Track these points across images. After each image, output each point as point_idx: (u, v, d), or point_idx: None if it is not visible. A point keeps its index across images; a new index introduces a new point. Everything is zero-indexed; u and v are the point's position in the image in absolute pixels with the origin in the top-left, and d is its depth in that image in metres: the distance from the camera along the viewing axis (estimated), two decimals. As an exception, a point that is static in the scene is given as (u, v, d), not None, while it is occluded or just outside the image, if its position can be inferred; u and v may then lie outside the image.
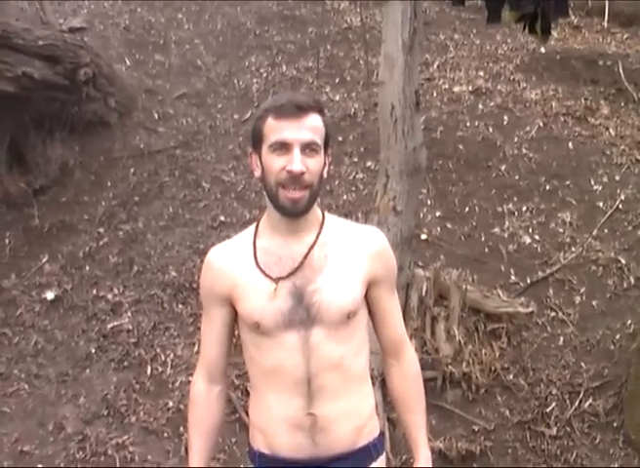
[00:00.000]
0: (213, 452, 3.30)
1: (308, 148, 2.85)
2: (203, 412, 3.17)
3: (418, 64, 5.68)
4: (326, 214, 3.06)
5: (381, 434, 3.22)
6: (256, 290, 2.95)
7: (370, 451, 3.10)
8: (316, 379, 2.96)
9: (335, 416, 3.01)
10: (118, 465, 5.25)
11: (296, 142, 2.84)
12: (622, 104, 8.30)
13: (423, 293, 5.78)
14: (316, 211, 3.01)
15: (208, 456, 3.20)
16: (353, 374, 3.04)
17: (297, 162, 2.82)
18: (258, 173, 2.95)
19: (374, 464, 3.10)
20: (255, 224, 3.06)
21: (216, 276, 3.04)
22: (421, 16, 6.40)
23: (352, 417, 3.05)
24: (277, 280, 2.92)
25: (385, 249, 3.09)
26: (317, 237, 2.98)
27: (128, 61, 8.74)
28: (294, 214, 2.91)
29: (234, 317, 3.05)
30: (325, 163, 2.94)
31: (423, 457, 3.12)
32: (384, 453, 3.20)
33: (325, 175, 2.96)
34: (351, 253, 3.00)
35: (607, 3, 9.83)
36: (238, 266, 2.99)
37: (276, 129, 2.86)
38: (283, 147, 2.84)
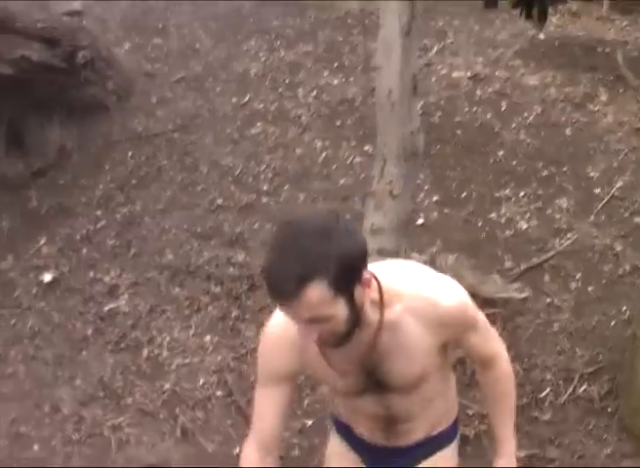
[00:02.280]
0: None
1: (314, 321, 2.54)
2: None
3: (416, 49, 5.68)
4: (384, 294, 2.71)
5: (456, 420, 3.28)
6: (322, 371, 2.87)
7: (443, 437, 3.19)
8: (398, 414, 3.03)
9: (413, 428, 3.09)
10: (114, 446, 5.28)
11: (296, 320, 2.56)
12: (621, 91, 8.27)
13: (419, 278, 5.78)
14: (369, 311, 2.69)
15: None
16: (436, 392, 3.07)
17: (300, 336, 2.62)
18: None
19: (444, 450, 3.20)
20: None
21: (280, 350, 2.85)
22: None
23: (433, 417, 3.13)
24: (343, 373, 2.83)
25: (450, 312, 2.80)
26: (380, 323, 2.73)
27: (127, 45, 8.75)
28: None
29: (294, 392, 3.01)
30: (354, 300, 2.56)
31: (507, 452, 3.17)
32: (457, 438, 3.28)
33: (367, 301, 2.63)
34: (415, 329, 2.77)
35: (606, -11, 9.81)
36: (308, 349, 2.79)
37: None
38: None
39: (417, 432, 3.10)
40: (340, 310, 2.52)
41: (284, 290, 2.44)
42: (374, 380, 2.86)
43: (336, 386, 2.94)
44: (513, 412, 3.23)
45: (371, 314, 2.68)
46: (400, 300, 2.73)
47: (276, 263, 2.46)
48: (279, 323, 2.80)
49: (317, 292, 2.44)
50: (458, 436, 3.28)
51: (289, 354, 2.83)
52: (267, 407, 2.92)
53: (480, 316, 2.97)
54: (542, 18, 5.74)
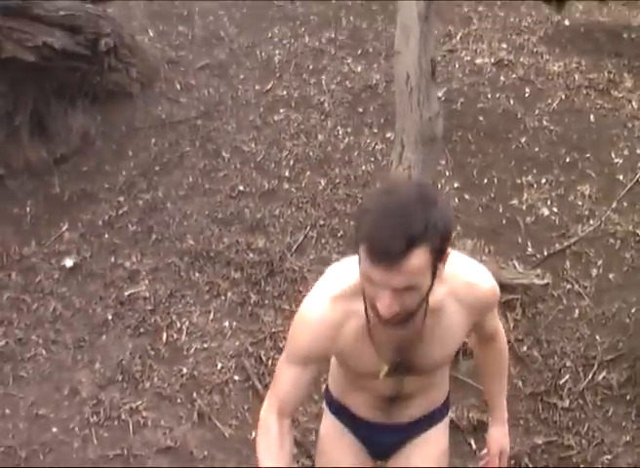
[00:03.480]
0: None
1: (406, 289, 2.53)
2: (277, 446, 3.00)
3: (434, 34, 5.66)
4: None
5: (448, 398, 3.40)
6: (358, 353, 2.90)
7: (437, 414, 3.33)
8: (403, 397, 3.12)
9: (412, 406, 3.19)
10: (131, 429, 5.32)
11: (386, 287, 2.51)
12: (646, 77, 8.25)
13: (437, 264, 5.79)
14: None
15: None
16: (438, 383, 3.22)
17: (384, 307, 2.54)
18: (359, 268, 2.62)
19: (439, 423, 3.33)
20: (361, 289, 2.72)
21: (316, 338, 2.87)
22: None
23: (431, 396, 3.24)
24: (390, 362, 2.89)
25: (484, 296, 2.90)
26: (422, 326, 2.81)
27: (151, 32, 8.75)
28: (396, 328, 2.71)
29: (319, 372, 3.05)
30: (434, 276, 2.58)
31: (501, 418, 3.43)
32: (448, 415, 3.43)
33: (437, 279, 2.62)
34: (455, 312, 2.86)
35: (634, -25, 9.73)
36: (345, 332, 2.83)
37: (367, 266, 2.52)
38: (373, 283, 2.54)
39: (415, 410, 3.20)
40: (427, 282, 2.55)
41: (391, 251, 2.42)
42: (406, 363, 2.91)
43: (364, 368, 2.96)
44: (506, 382, 3.40)
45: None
46: (441, 283, 2.72)
47: (384, 227, 2.42)
48: (319, 304, 2.82)
49: (421, 258, 2.45)
50: (449, 412, 3.42)
51: (325, 338, 2.84)
52: (292, 381, 2.96)
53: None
54: (561, 2, 5.72)
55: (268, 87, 8.11)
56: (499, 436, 3.42)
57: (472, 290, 2.85)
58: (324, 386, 3.57)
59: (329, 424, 3.37)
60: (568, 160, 7.27)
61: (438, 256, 2.52)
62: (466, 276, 2.86)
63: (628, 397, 5.63)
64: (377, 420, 3.21)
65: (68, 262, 6.46)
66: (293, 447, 3.23)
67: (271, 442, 3.02)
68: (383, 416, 3.20)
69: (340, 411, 3.27)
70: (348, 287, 2.78)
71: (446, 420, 3.37)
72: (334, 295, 2.80)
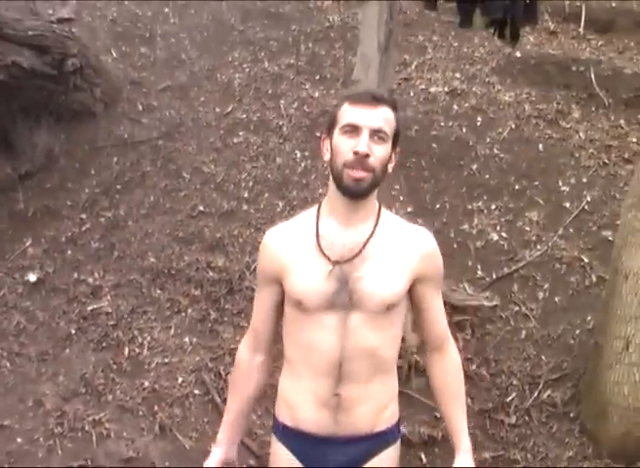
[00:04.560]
0: (247, 417, 3.53)
1: (377, 135, 3.03)
2: (243, 378, 3.40)
3: (392, 65, 5.90)
4: (382, 208, 3.22)
5: (398, 422, 3.40)
6: (307, 269, 3.15)
7: (386, 436, 3.32)
8: (348, 363, 3.17)
9: (358, 399, 3.22)
10: (94, 440, 5.43)
11: (365, 127, 3.01)
12: (593, 109, 8.53)
13: (392, 285, 5.97)
14: (374, 202, 3.18)
15: (241, 418, 3.46)
16: (383, 363, 3.25)
17: (363, 144, 3.00)
18: (327, 156, 3.14)
19: (388, 449, 3.32)
20: (316, 208, 3.23)
21: (269, 256, 3.24)
22: (398, 17, 6.62)
23: (374, 402, 3.26)
24: (334, 263, 3.11)
25: (435, 250, 3.25)
26: (375, 227, 3.14)
27: (114, 53, 8.92)
28: (355, 195, 3.07)
29: (283, 295, 3.25)
30: (391, 157, 3.11)
31: (465, 446, 3.32)
32: (399, 442, 3.40)
33: (390, 169, 3.13)
34: (401, 250, 3.16)
35: (584, 9, 10.03)
36: (294, 246, 3.18)
37: (349, 113, 3.06)
38: (353, 130, 3.03)
39: (361, 420, 3.23)
40: (387, 148, 3.07)
41: (380, 95, 3.11)
42: (347, 291, 3.10)
43: (307, 297, 3.13)
44: (465, 406, 3.43)
45: (375, 203, 3.18)
46: (397, 221, 3.26)
47: (372, 89, 3.40)
48: (271, 232, 3.29)
49: (389, 114, 3.08)
50: (399, 440, 3.39)
51: (277, 255, 3.21)
52: (261, 306, 3.35)
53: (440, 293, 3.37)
54: (515, 37, 5.97)
55: (228, 110, 8.29)
56: (466, 466, 3.31)
57: (418, 235, 3.23)
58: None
59: (278, 453, 3.38)
60: (517, 187, 7.52)
61: (395, 140, 3.11)
62: (414, 226, 3.30)
63: (572, 414, 5.87)
64: (323, 431, 3.22)
65: (32, 277, 6.58)
66: (262, 384, 3.41)
67: (237, 378, 3.44)
68: (330, 423, 3.20)
69: (287, 434, 3.30)
70: (290, 221, 3.31)
71: (397, 445, 3.36)
72: (276, 226, 3.33)
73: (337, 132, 3.09)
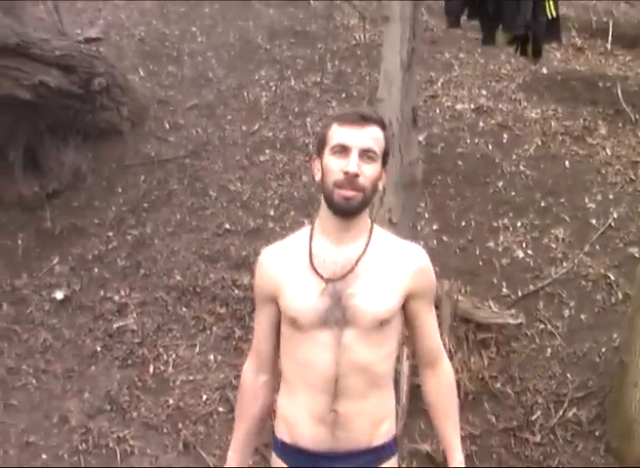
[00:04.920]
0: (256, 437, 3.52)
1: (366, 155, 3.08)
2: (249, 400, 3.41)
3: (415, 82, 5.91)
4: (374, 225, 3.27)
5: (395, 437, 3.41)
6: (301, 287, 3.17)
7: (384, 451, 3.32)
8: (343, 379, 3.18)
9: (356, 415, 3.23)
10: (118, 457, 5.49)
11: (355, 147, 3.07)
12: (620, 125, 8.48)
13: (416, 303, 5.97)
14: (366, 219, 3.23)
15: (249, 440, 3.46)
16: (379, 378, 3.26)
17: (353, 164, 3.05)
18: (318, 176, 3.19)
19: (386, 464, 3.32)
20: (309, 227, 3.27)
21: (264, 276, 3.27)
22: (422, 35, 6.63)
23: (371, 417, 3.27)
24: (327, 281, 3.13)
25: (427, 266, 3.29)
26: (367, 245, 3.19)
27: (142, 72, 9.01)
28: (346, 213, 3.12)
29: (280, 314, 3.27)
30: (381, 175, 3.16)
31: (457, 461, 3.34)
32: (396, 456, 3.41)
33: (380, 187, 3.19)
34: (394, 266, 3.20)
35: (611, 25, 10.00)
36: (288, 265, 3.20)
37: (339, 133, 3.11)
38: (343, 150, 3.08)
39: (359, 434, 3.24)
40: (377, 166, 3.12)
41: (369, 114, 3.17)
42: (340, 308, 3.12)
43: (301, 314, 3.15)
44: (458, 421, 3.44)
45: (367, 221, 3.24)
46: (389, 238, 3.31)
47: (360, 108, 3.48)
48: (266, 252, 3.33)
49: (379, 134, 3.14)
50: (396, 455, 3.40)
51: (273, 274, 3.24)
52: (260, 327, 3.37)
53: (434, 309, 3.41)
54: (537, 54, 5.97)
55: (255, 128, 8.34)
56: None
57: (411, 252, 3.27)
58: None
59: None
60: (543, 204, 7.50)
61: (384, 158, 3.17)
62: (406, 243, 3.36)
63: (597, 433, 5.81)
64: (321, 447, 3.23)
65: (59, 295, 6.65)
66: (268, 403, 3.41)
67: (244, 399, 3.44)
68: (327, 439, 3.21)
69: (286, 450, 3.32)
70: (284, 241, 3.34)
71: (394, 459, 3.37)
72: (272, 246, 3.36)
73: (327, 152, 3.14)
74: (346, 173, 3.05)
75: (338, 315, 3.14)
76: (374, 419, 3.27)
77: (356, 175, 3.05)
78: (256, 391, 3.40)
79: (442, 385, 3.38)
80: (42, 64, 7.18)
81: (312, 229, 3.25)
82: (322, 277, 3.15)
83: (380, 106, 5.82)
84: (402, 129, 5.68)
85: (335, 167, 3.09)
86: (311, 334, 3.17)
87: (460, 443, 3.37)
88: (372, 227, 3.25)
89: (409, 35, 5.65)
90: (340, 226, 3.17)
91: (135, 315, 6.47)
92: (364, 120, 3.12)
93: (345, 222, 3.15)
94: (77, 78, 7.40)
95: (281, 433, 3.34)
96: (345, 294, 3.14)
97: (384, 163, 3.18)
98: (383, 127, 3.19)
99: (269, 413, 3.49)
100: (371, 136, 3.10)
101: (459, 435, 3.39)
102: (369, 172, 3.09)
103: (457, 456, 3.34)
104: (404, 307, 3.25)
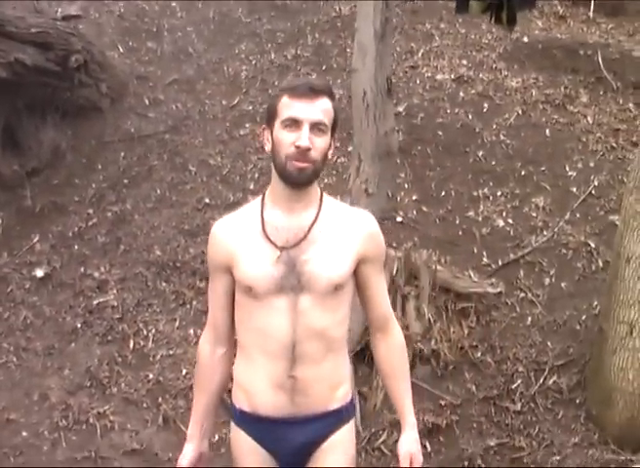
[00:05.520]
0: (216, 410, 3.52)
1: (317, 128, 3.12)
2: (207, 373, 3.43)
3: (390, 53, 5.90)
4: (324, 194, 3.31)
5: (352, 401, 3.48)
6: (255, 256, 3.21)
7: (341, 414, 3.38)
8: (300, 344, 3.23)
9: (313, 379, 3.28)
10: (99, 432, 5.52)
11: (306, 121, 3.11)
12: (601, 93, 8.46)
13: (394, 273, 5.99)
14: (316, 189, 3.27)
15: (209, 413, 3.49)
16: (334, 343, 3.32)
17: (304, 138, 3.10)
18: (268, 147, 3.24)
19: (344, 426, 3.38)
20: (260, 198, 3.32)
21: (218, 246, 3.30)
22: (397, 6, 6.59)
23: (328, 382, 3.33)
24: (281, 248, 3.17)
25: (377, 231, 3.34)
26: (318, 213, 3.23)
27: (121, 48, 8.96)
28: (298, 184, 3.17)
29: (234, 284, 3.31)
30: (331, 145, 3.22)
31: (410, 423, 3.41)
32: (354, 419, 3.48)
33: (329, 156, 3.24)
34: (345, 232, 3.25)
35: (593, -7, 9.97)
36: (241, 235, 3.24)
37: (289, 107, 3.14)
38: (294, 124, 3.12)
39: (317, 399, 3.29)
40: (327, 138, 3.18)
41: (320, 85, 3.21)
42: (295, 274, 3.18)
43: (256, 282, 3.19)
44: (409, 383, 3.49)
45: (317, 190, 3.27)
46: (339, 206, 3.37)
47: (309, 78, 3.46)
48: (218, 223, 3.36)
49: (328, 105, 3.17)
50: (354, 417, 3.48)
51: (226, 245, 3.27)
52: (215, 298, 3.39)
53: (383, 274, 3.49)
54: (512, 21, 5.95)
55: (235, 102, 8.32)
56: (409, 441, 3.40)
57: (361, 218, 3.33)
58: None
59: (239, 439, 3.42)
60: (523, 173, 7.49)
61: (334, 128, 3.21)
62: (356, 209, 3.49)
63: (578, 400, 5.85)
64: (281, 414, 3.27)
65: (39, 272, 6.66)
66: (227, 375, 3.43)
67: (201, 373, 3.47)
68: (287, 405, 3.26)
69: (246, 419, 3.35)
70: (236, 212, 3.38)
71: (352, 422, 3.43)
72: (223, 217, 3.39)
73: (277, 124, 3.16)
74: (298, 147, 3.10)
75: (293, 281, 3.19)
76: (331, 383, 3.33)
77: (308, 149, 3.11)
78: (214, 364, 3.42)
79: (392, 349, 3.44)
80: (17, 42, 7.17)
81: (263, 199, 3.30)
82: (276, 245, 3.19)
83: (354, 77, 5.83)
84: (377, 99, 5.67)
85: (286, 140, 3.13)
86: (267, 302, 3.21)
87: (412, 405, 3.44)
88: (322, 196, 3.29)
89: (382, 6, 5.63)
90: (291, 196, 3.21)
91: (115, 291, 6.48)
92: (314, 92, 3.15)
93: (297, 192, 3.20)
94: (54, 55, 7.39)
95: (240, 402, 3.36)
96: (300, 261, 3.19)
97: (334, 132, 3.23)
98: (333, 97, 3.23)
99: (228, 384, 3.50)
100: (321, 109, 3.14)
101: (410, 397, 3.44)
102: (319, 144, 3.14)
103: (409, 417, 3.41)
104: (355, 272, 3.30)
